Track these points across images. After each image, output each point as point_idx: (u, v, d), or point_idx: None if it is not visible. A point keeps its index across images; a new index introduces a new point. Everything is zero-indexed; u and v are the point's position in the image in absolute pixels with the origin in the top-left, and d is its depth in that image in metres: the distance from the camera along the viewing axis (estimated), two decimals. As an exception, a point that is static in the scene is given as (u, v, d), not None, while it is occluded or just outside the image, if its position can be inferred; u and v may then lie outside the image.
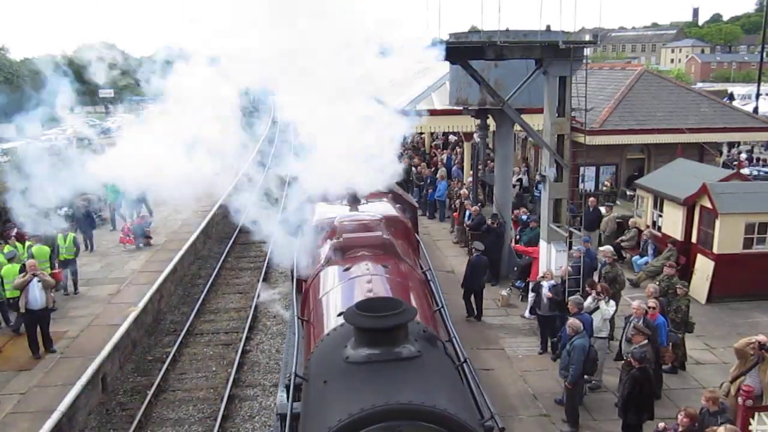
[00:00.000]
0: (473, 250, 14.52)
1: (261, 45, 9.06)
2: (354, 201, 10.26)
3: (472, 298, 14.26)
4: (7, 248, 14.46)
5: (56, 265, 15.27)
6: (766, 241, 14.36)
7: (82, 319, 14.16)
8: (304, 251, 9.35)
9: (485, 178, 22.33)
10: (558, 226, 13.96)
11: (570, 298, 11.26)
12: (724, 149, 30.77)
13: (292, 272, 9.76)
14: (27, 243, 14.99)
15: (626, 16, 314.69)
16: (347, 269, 7.82)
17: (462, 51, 13.36)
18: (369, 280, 7.26)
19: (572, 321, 10.07)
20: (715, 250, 14.42)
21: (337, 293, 7.47)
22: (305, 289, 8.60)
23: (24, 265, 12.98)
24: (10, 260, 13.75)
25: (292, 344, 7.76)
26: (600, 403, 10.72)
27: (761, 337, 9.07)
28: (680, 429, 7.75)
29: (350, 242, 8.48)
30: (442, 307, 7.92)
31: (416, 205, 12.32)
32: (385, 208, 10.27)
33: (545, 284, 12.36)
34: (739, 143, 31.67)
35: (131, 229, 19.57)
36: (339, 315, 6.39)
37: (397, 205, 10.85)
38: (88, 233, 18.82)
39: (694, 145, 21.66)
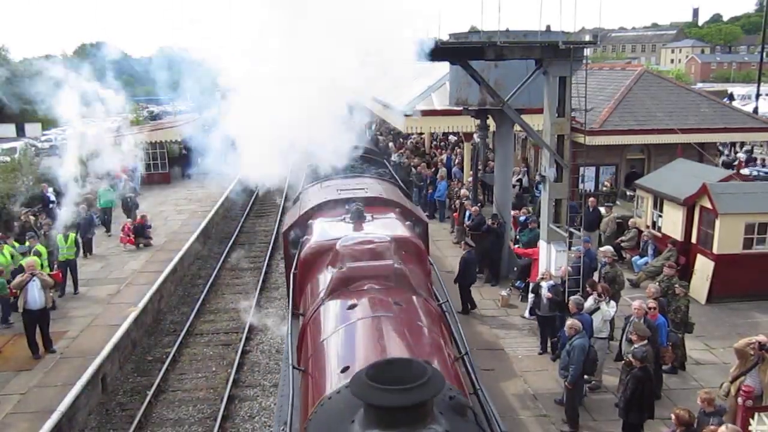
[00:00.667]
0: (464, 245, 14.81)
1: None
2: (358, 217, 9.24)
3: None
4: (6, 248, 14.48)
5: (55, 265, 15.28)
6: (766, 241, 14.35)
7: (82, 319, 14.17)
8: (301, 278, 8.42)
9: (485, 179, 22.31)
10: (558, 227, 13.97)
11: (571, 298, 11.26)
12: (725, 150, 30.77)
13: (288, 301, 8.71)
14: (26, 243, 15.02)
15: (626, 16, 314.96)
16: (352, 307, 6.75)
17: (462, 51, 13.36)
18: (378, 323, 6.23)
19: (572, 321, 10.07)
20: (714, 251, 14.41)
21: (340, 340, 6.36)
22: (303, 327, 7.56)
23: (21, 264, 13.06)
24: (22, 254, 13.94)
25: (286, 391, 6.42)
26: (600, 403, 10.71)
27: (761, 338, 9.07)
28: (678, 430, 7.76)
29: (355, 272, 7.32)
30: (467, 353, 6.60)
31: (426, 219, 11.32)
32: (393, 227, 9.17)
33: (544, 285, 12.36)
34: (743, 144, 31.65)
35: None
36: (343, 371, 5.52)
37: (407, 222, 9.73)
38: (88, 237, 18.75)
39: (694, 146, 21.66)
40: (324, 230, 9.18)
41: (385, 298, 6.78)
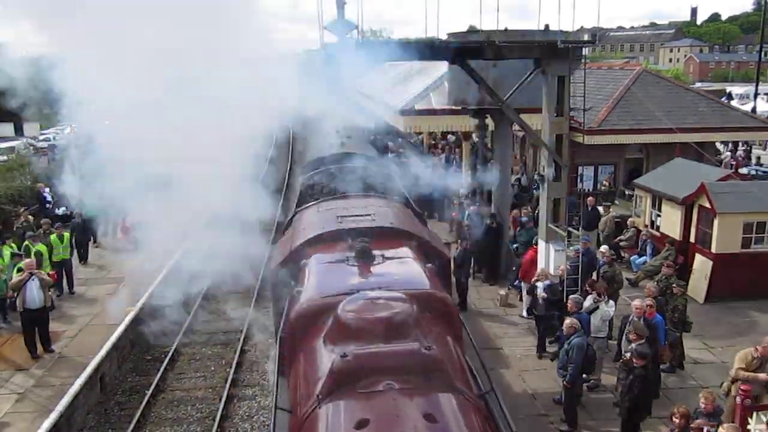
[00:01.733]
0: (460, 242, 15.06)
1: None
2: (364, 257, 7.39)
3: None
4: (5, 248, 14.47)
5: (51, 265, 15.23)
6: (764, 240, 14.39)
7: (80, 318, 14.16)
8: (291, 347, 6.43)
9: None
10: (557, 226, 13.98)
11: (570, 297, 11.26)
12: (722, 149, 30.80)
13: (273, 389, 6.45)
14: (26, 242, 15.00)
15: (624, 15, 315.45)
16: (361, 425, 4.66)
17: (461, 51, 13.36)
18: None
19: (570, 320, 10.07)
20: (713, 250, 14.43)
21: None
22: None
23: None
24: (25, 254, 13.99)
25: None
26: (598, 402, 10.73)
27: (762, 376, 8.98)
28: (676, 430, 7.77)
29: (365, 363, 5.21)
30: None
31: (448, 253, 9.18)
32: (410, 272, 7.28)
33: (540, 285, 12.38)
34: (746, 143, 31.65)
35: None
36: None
37: (428, 265, 7.56)
38: (84, 243, 18.53)
39: (692, 145, 21.67)
40: (320, 279, 7.33)
41: (412, 407, 4.78)
